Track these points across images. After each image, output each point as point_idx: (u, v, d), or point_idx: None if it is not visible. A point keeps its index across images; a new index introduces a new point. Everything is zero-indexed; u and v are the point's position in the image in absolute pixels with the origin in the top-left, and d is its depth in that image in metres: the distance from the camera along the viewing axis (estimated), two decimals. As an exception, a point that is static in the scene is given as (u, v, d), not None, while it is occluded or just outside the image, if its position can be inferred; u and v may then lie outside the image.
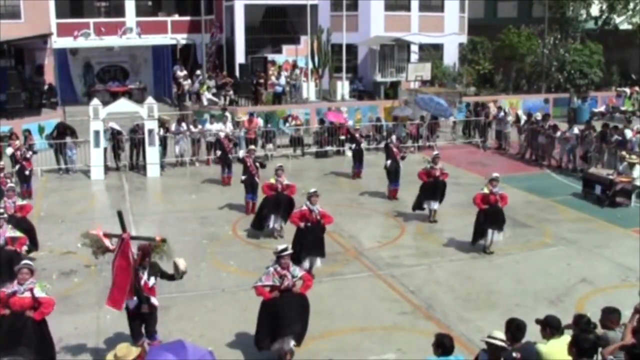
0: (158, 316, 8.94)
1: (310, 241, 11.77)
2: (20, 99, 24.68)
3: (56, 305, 8.56)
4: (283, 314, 8.61)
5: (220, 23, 31.33)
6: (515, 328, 6.67)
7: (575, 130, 20.65)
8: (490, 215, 12.94)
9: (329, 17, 30.48)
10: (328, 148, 23.11)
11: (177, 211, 16.50)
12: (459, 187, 17.47)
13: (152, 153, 20.35)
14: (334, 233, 14.01)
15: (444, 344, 6.50)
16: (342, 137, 22.65)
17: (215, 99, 27.70)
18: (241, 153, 16.95)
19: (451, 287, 11.64)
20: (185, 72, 29.98)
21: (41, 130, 23.50)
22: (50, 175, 20.26)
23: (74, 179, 20.11)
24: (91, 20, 31.14)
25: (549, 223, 15.23)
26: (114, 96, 27.95)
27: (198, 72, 29.98)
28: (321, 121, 24.09)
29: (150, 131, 20.25)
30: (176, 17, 32.52)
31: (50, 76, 28.62)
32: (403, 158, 17.31)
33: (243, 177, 15.80)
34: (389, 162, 17.12)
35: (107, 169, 20.41)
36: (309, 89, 28.94)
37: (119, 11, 31.85)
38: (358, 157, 19.91)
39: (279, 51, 30.68)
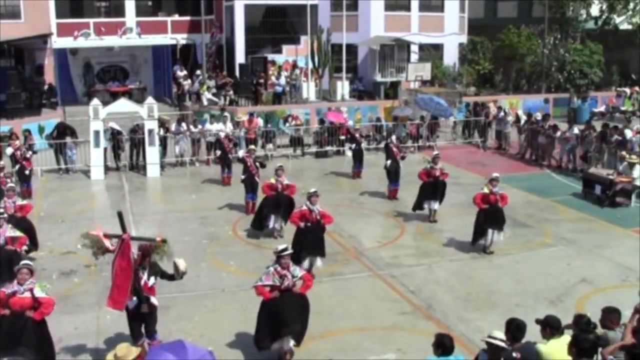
0: (158, 316, 8.94)
1: (310, 241, 11.78)
2: (20, 99, 24.68)
3: (56, 305, 8.56)
4: (283, 314, 8.61)
5: (220, 23, 31.30)
6: (515, 328, 6.67)
7: (575, 130, 20.64)
8: (490, 215, 12.95)
9: (329, 17, 30.45)
10: (328, 148, 23.10)
11: (177, 211, 16.51)
12: (459, 187, 17.47)
13: (152, 153, 20.35)
14: (334, 233, 14.01)
15: (444, 344, 6.51)
16: (342, 137, 22.64)
17: (215, 99, 27.67)
18: (241, 153, 16.93)
19: (451, 287, 11.64)
20: (185, 72, 29.95)
21: (41, 130, 23.50)
22: (50, 175, 20.26)
23: (74, 179, 20.11)
24: (91, 20, 31.12)
25: (549, 223, 15.23)
26: (114, 96, 27.93)
27: (198, 72, 29.96)
28: (321, 121, 24.08)
29: (150, 131, 20.25)
30: (176, 17, 32.50)
31: (50, 76, 28.61)
32: (403, 158, 17.31)
33: (243, 177, 15.81)
34: (389, 162, 17.13)
35: (107, 169, 20.41)
36: (309, 89, 28.91)
37: (119, 11, 31.84)
38: (358, 157, 19.91)
39: (279, 51, 30.65)
